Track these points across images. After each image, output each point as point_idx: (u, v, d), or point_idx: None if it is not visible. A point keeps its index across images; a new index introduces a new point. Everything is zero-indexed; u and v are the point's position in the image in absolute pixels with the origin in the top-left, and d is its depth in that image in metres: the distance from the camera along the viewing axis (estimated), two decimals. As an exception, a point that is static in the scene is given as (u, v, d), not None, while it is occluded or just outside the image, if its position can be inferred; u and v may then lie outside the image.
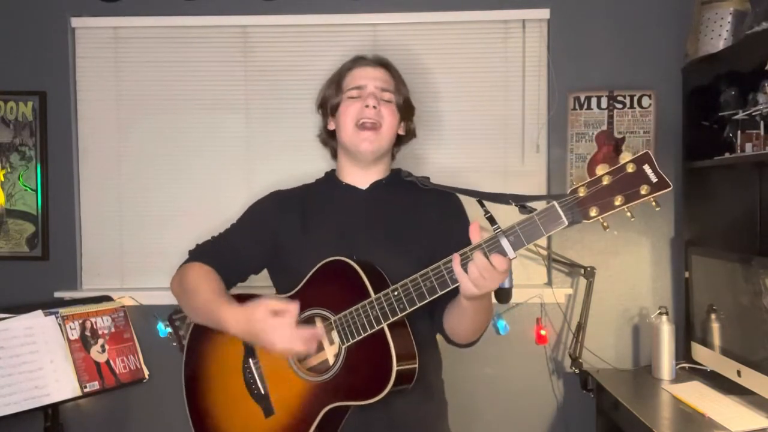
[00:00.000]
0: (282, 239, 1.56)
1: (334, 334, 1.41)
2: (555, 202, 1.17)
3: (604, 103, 2.51)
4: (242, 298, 1.50)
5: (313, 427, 1.40)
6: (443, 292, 1.29)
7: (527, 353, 2.55)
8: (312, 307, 1.44)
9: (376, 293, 1.35)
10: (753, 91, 2.08)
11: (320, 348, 1.43)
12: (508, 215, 1.29)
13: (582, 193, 1.14)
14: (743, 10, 2.13)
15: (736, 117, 2.13)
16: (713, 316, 2.24)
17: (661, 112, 2.49)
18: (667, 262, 2.53)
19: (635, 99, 2.50)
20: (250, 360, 1.51)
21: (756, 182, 2.22)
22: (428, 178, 1.61)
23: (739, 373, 2.09)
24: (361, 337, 1.36)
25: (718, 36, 2.17)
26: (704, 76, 2.32)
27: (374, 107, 1.53)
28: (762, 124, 2.04)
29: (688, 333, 2.40)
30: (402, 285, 1.32)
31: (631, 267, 2.54)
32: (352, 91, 1.57)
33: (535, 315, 2.54)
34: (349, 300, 1.38)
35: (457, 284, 1.26)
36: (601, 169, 1.14)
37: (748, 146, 2.08)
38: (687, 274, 2.39)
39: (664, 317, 2.31)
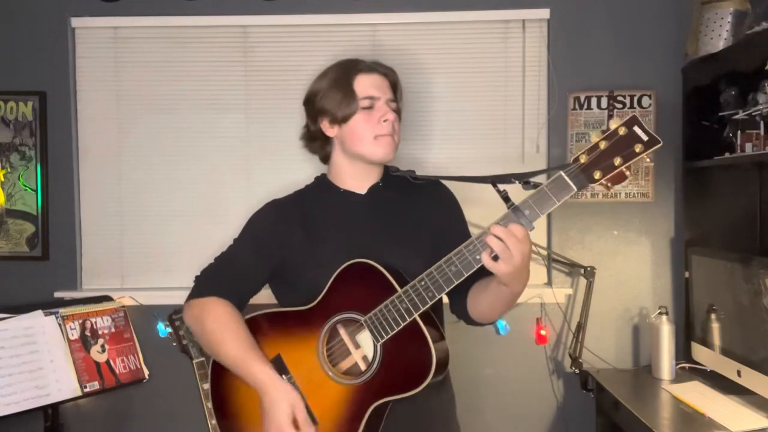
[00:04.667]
0: (289, 253, 1.55)
1: (364, 336, 1.43)
2: (561, 172, 1.26)
3: (604, 103, 2.51)
4: (255, 326, 1.54)
5: (361, 428, 1.41)
6: (468, 273, 1.33)
7: (527, 353, 2.55)
8: (338, 313, 1.45)
9: (401, 287, 1.38)
10: (753, 91, 2.08)
11: (347, 353, 1.45)
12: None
13: (583, 159, 1.24)
14: (743, 10, 2.13)
15: (736, 117, 2.13)
16: (713, 316, 2.24)
17: (661, 112, 2.49)
18: (667, 262, 2.54)
19: (635, 99, 2.50)
20: (283, 376, 1.49)
21: (756, 182, 2.22)
22: (414, 171, 1.62)
23: (739, 373, 2.09)
24: (395, 331, 1.38)
25: (718, 36, 2.17)
26: (704, 76, 2.31)
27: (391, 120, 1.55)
28: (762, 124, 2.05)
29: (688, 333, 2.40)
30: (427, 274, 1.35)
31: (631, 267, 2.54)
32: (365, 101, 1.54)
33: (535, 315, 2.54)
34: (377, 298, 1.40)
35: (481, 264, 1.29)
36: (595, 136, 1.24)
37: (748, 146, 2.08)
38: (687, 274, 2.39)
39: (664, 317, 2.31)
